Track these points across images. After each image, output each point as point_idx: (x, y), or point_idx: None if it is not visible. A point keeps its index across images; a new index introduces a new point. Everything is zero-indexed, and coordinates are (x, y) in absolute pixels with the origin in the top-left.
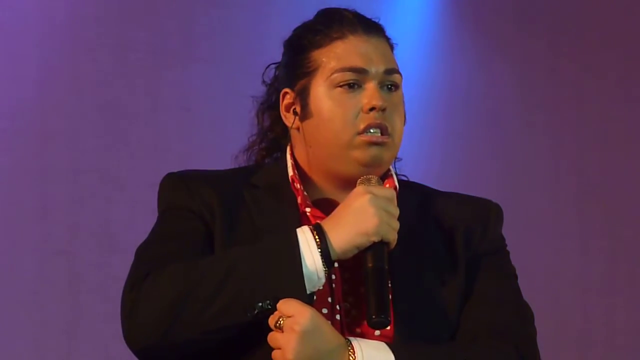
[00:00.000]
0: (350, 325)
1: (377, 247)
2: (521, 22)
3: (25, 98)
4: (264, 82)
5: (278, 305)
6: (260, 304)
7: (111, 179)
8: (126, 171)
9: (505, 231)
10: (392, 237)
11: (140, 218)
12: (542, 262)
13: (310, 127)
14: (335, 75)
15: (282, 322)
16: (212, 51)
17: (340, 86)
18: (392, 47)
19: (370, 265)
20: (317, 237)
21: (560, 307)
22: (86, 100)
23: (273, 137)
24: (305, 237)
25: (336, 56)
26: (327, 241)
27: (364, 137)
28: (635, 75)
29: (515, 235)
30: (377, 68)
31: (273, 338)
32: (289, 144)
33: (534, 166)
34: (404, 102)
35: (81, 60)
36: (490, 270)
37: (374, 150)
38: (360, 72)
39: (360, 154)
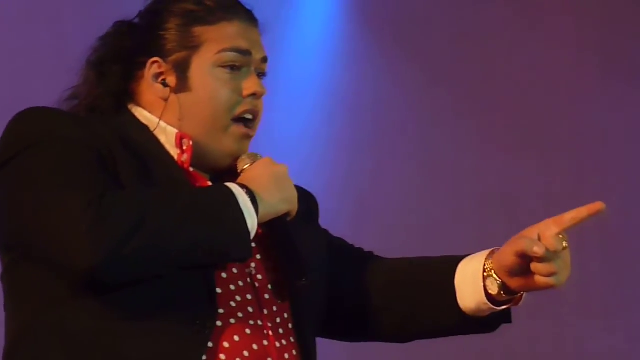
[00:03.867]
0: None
1: (285, 217)
2: (427, 26)
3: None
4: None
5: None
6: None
7: None
8: None
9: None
10: (296, 209)
11: None
12: None
13: (186, 102)
14: (222, 54)
15: None
16: None
17: (224, 66)
18: None
19: (281, 232)
20: (249, 197)
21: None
22: None
23: (103, 92)
24: (242, 198)
25: (223, 36)
26: (258, 202)
27: (239, 129)
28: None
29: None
30: (258, 54)
31: None
32: (132, 104)
33: (442, 171)
34: None
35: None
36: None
37: (243, 144)
38: (245, 54)
39: (232, 144)
